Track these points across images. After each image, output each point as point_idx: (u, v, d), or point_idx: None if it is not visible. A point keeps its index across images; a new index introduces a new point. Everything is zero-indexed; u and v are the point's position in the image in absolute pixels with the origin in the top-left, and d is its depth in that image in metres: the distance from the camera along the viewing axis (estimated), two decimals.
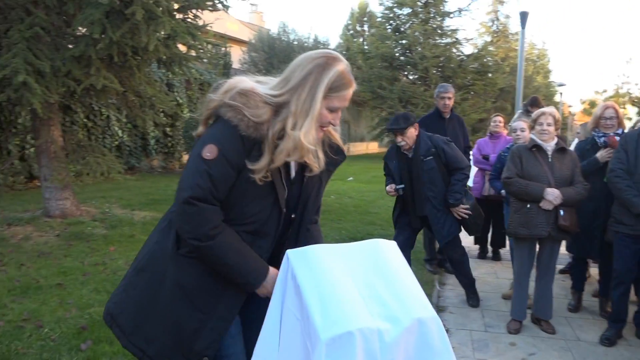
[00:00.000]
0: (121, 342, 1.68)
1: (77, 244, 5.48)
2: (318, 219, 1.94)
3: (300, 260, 1.63)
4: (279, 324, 1.65)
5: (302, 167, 1.72)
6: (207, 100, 1.62)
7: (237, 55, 22.76)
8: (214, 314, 1.63)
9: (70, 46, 5.37)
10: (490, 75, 22.95)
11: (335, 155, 1.78)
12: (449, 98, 5.07)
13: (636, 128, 3.51)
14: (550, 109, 3.62)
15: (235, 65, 21.56)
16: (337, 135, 1.79)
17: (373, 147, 27.06)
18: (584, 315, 4.14)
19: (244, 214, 1.62)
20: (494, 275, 5.21)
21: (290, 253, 1.64)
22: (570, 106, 43.79)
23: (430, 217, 4.06)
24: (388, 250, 1.80)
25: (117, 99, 6.99)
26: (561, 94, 30.79)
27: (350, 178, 12.99)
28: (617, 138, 3.70)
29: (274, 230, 1.69)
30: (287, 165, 1.67)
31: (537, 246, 3.72)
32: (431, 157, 3.99)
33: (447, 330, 3.76)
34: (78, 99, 7.13)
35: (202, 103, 1.68)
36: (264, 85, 1.62)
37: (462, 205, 3.99)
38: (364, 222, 7.21)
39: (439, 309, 4.22)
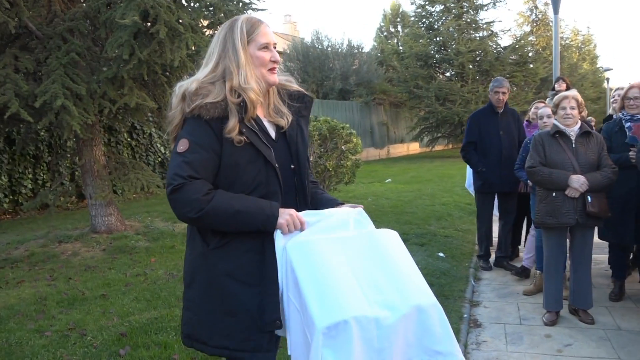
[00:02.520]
0: (207, 353, 1.78)
1: (120, 257, 5.73)
2: (311, 173, 2.04)
3: (298, 253, 1.67)
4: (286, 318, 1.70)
5: (278, 127, 1.84)
6: (171, 119, 1.76)
7: None
8: (265, 282, 1.71)
9: (104, 69, 5.65)
10: (531, 65, 22.32)
11: (301, 102, 1.91)
12: (504, 93, 4.95)
13: None
14: (572, 92, 3.52)
15: None
16: (293, 85, 1.92)
17: (414, 147, 26.74)
18: (627, 304, 3.97)
19: (245, 184, 1.71)
20: (533, 267, 5.06)
21: (288, 246, 1.69)
22: None
23: None
24: (388, 238, 1.82)
25: (154, 116, 7.28)
26: (608, 79, 29.38)
27: (389, 180, 12.92)
28: None
29: (279, 187, 1.76)
30: (261, 127, 1.77)
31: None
32: None
33: (479, 325, 3.72)
34: (120, 119, 7.49)
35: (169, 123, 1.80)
36: (201, 73, 1.76)
37: None
38: (400, 222, 7.17)
39: (473, 304, 4.16)
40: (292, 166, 1.84)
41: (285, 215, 1.68)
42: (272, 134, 1.82)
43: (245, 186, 1.71)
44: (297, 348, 1.67)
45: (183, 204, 1.64)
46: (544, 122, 4.20)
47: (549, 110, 4.20)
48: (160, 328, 3.62)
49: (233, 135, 1.66)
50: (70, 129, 5.32)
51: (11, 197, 8.86)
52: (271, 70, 1.77)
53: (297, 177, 1.85)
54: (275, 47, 1.80)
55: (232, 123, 1.66)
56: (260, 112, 1.81)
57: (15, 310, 4.13)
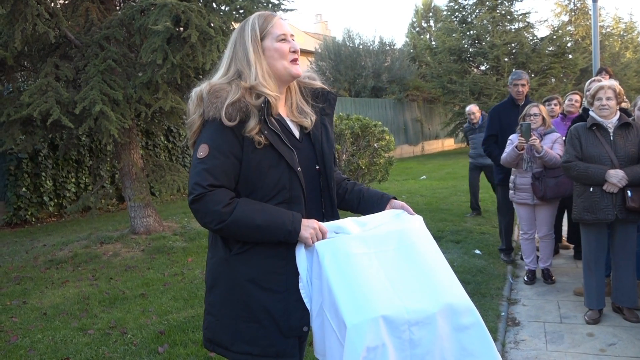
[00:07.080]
0: (229, 358, 1.73)
1: (159, 257, 5.88)
2: (338, 169, 1.99)
3: (328, 251, 1.67)
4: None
5: (302, 126, 1.80)
6: (190, 125, 1.70)
7: (304, 65, 23.19)
8: (290, 288, 1.68)
9: (139, 74, 5.80)
10: (570, 56, 21.60)
11: (324, 100, 1.86)
12: (522, 85, 4.90)
13: None
14: (609, 82, 3.39)
15: None
16: (315, 82, 1.87)
17: (449, 143, 26.31)
18: None
19: (267, 189, 1.67)
20: (573, 265, 4.92)
21: (317, 245, 1.69)
22: None
23: None
24: (417, 234, 1.79)
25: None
26: None
27: (424, 177, 12.76)
28: None
29: (302, 191, 1.71)
30: (284, 128, 1.72)
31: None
32: None
33: (518, 323, 3.63)
34: (157, 123, 7.67)
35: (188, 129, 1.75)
36: (215, 77, 1.73)
37: None
38: (435, 219, 7.08)
39: (511, 302, 4.07)
40: (317, 167, 1.79)
41: (309, 229, 1.64)
42: (297, 133, 1.77)
43: (267, 191, 1.66)
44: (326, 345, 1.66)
45: (204, 214, 1.60)
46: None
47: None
48: (197, 326, 3.69)
49: (253, 135, 1.61)
50: (109, 133, 5.49)
51: (56, 200, 9.21)
52: (293, 61, 1.71)
53: (323, 178, 1.80)
54: (293, 39, 1.74)
55: (253, 123, 1.61)
56: (283, 111, 1.76)
57: (60, 309, 4.29)
